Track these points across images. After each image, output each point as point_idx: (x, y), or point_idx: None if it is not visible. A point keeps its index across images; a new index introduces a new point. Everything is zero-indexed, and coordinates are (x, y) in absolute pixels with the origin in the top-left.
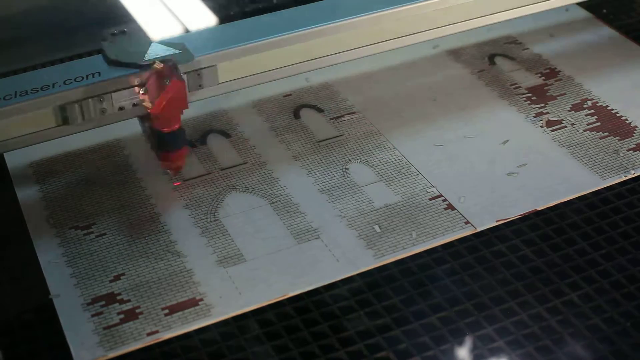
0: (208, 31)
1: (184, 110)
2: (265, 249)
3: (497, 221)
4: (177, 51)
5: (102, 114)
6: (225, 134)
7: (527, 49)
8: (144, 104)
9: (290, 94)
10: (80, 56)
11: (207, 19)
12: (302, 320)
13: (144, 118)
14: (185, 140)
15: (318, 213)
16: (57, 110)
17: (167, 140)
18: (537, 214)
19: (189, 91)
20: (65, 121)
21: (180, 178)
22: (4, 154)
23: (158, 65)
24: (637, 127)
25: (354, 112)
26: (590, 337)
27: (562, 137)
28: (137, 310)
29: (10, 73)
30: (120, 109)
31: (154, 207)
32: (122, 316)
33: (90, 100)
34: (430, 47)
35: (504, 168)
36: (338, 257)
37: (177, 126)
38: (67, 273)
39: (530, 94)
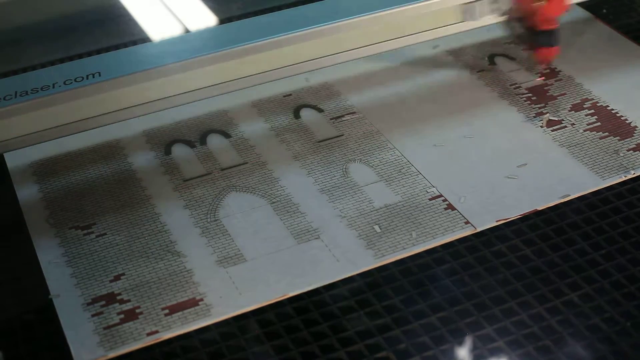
0: (208, 31)
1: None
2: (265, 249)
3: (497, 221)
4: None
5: (496, 12)
6: (225, 134)
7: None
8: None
9: (290, 94)
10: (80, 56)
11: (207, 19)
12: (302, 320)
13: (520, 19)
14: (558, 39)
15: (318, 213)
16: (460, 7)
17: (549, 37)
18: (537, 214)
19: None
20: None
21: (181, 178)
22: (4, 154)
23: None
24: (637, 127)
25: (354, 112)
26: (590, 337)
27: (562, 137)
28: (137, 310)
29: (10, 73)
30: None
31: (154, 207)
32: (122, 316)
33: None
34: (430, 47)
35: (504, 168)
36: (338, 257)
37: (555, 26)
38: (67, 273)
39: (530, 94)
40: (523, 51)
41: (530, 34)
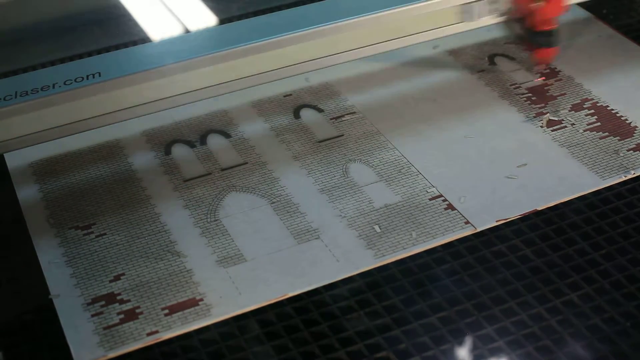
0: (208, 31)
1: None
2: (265, 249)
3: (497, 221)
4: None
5: (494, 13)
6: (225, 134)
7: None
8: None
9: (290, 94)
10: (80, 56)
11: (207, 19)
12: (302, 320)
13: (519, 20)
14: (557, 40)
15: (318, 213)
16: (458, 8)
17: (548, 38)
18: (537, 214)
19: None
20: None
21: (181, 178)
22: (4, 154)
23: None
24: (637, 127)
25: (354, 112)
26: (590, 337)
27: (562, 137)
28: (137, 310)
29: (10, 73)
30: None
31: (154, 207)
32: (122, 316)
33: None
34: (430, 47)
35: (504, 168)
36: (338, 257)
37: (555, 26)
38: (67, 273)
39: (530, 94)
40: (523, 51)
41: (529, 35)
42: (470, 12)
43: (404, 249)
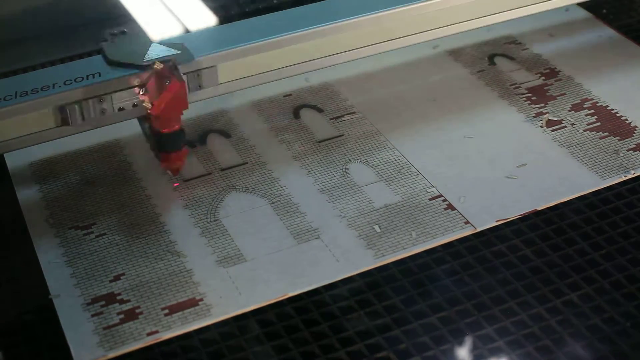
0: (208, 31)
1: (183, 111)
2: (265, 249)
3: (497, 221)
4: (177, 51)
5: (102, 114)
6: (225, 134)
7: (527, 49)
8: (144, 104)
9: (290, 94)
10: (80, 56)
11: (207, 19)
12: (302, 320)
13: (144, 118)
14: (184, 141)
15: (318, 213)
16: (56, 110)
17: (167, 141)
18: (537, 214)
19: (189, 92)
20: (65, 122)
21: (180, 178)
22: (4, 154)
23: (158, 66)
24: (637, 127)
25: (354, 112)
26: (590, 337)
27: (562, 137)
28: (137, 310)
29: (10, 73)
30: (120, 109)
31: (154, 207)
32: (122, 316)
33: (90, 100)
34: (430, 47)
35: (504, 168)
36: (338, 257)
37: (177, 127)
38: (67, 273)
39: (530, 94)
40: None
41: (154, 136)
42: (73, 115)
43: (404, 249)
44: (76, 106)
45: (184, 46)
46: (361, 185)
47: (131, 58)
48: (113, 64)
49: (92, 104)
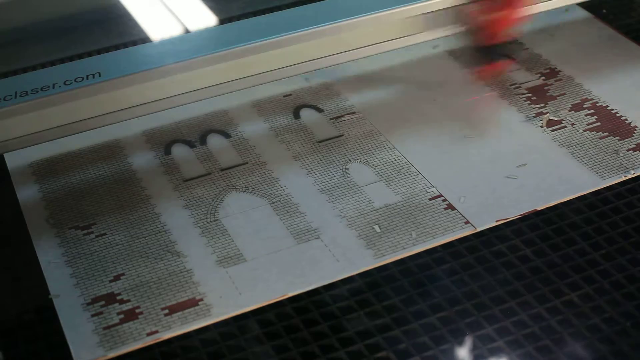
0: (208, 31)
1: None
2: (265, 249)
3: (497, 221)
4: None
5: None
6: (225, 134)
7: (527, 49)
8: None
9: (290, 94)
10: (80, 56)
11: (207, 19)
12: (302, 320)
13: (473, 31)
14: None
15: (318, 213)
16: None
17: (498, 51)
18: (537, 214)
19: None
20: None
21: (181, 178)
22: (4, 154)
23: None
24: (637, 127)
25: (354, 112)
26: (590, 337)
27: (562, 137)
28: (137, 310)
29: (10, 73)
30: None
31: (154, 207)
32: (122, 316)
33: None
34: (430, 47)
35: (504, 168)
36: (338, 257)
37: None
38: (67, 273)
39: (530, 94)
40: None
41: (478, 49)
42: (426, 22)
43: (404, 249)
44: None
45: None
46: (361, 185)
47: None
48: None
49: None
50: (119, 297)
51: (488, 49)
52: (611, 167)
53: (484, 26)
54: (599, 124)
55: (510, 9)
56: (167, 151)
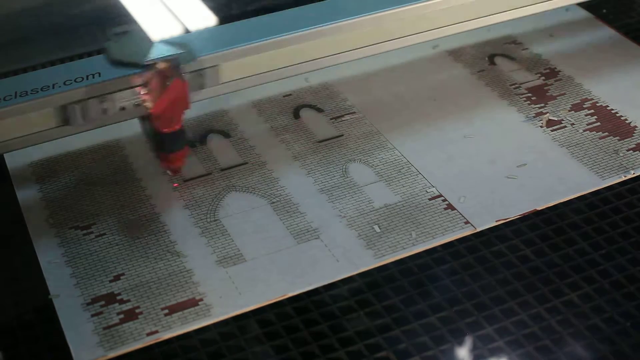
0: (208, 31)
1: (185, 111)
2: (265, 249)
3: (497, 221)
4: (180, 51)
5: (104, 114)
6: (225, 134)
7: (527, 49)
8: (145, 104)
9: (290, 94)
10: (80, 56)
11: (207, 19)
12: (302, 320)
13: (145, 118)
14: (185, 141)
15: (318, 213)
16: (58, 110)
17: (167, 141)
18: (537, 214)
19: (191, 91)
20: (66, 121)
21: (180, 178)
22: (4, 154)
23: (160, 65)
24: (637, 127)
25: (354, 112)
26: (590, 337)
27: (562, 137)
28: (137, 310)
29: (10, 73)
30: (122, 109)
31: (154, 207)
32: (121, 316)
33: (91, 100)
34: (430, 47)
35: (504, 168)
36: (338, 257)
37: (178, 127)
38: (67, 273)
39: (530, 94)
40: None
41: (154, 136)
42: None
43: (404, 249)
44: (77, 106)
45: (187, 45)
46: (361, 185)
47: (134, 57)
48: (116, 63)
49: (94, 104)
50: (118, 297)
51: (164, 137)
52: (611, 167)
53: (155, 113)
54: (599, 124)
55: (169, 95)
56: None
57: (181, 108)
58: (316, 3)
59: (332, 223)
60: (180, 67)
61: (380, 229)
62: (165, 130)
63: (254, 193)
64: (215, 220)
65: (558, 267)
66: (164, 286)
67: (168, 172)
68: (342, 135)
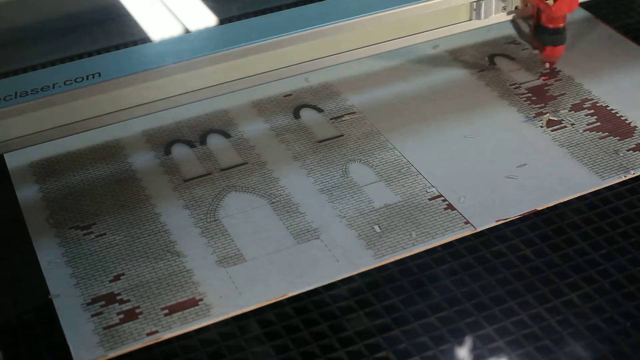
0: (208, 31)
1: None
2: (265, 249)
3: (497, 221)
4: None
5: (503, 11)
6: (225, 134)
7: (527, 49)
8: (546, 2)
9: (290, 94)
10: (80, 56)
11: (207, 19)
12: (302, 320)
13: (529, 18)
14: (565, 39)
15: (318, 213)
16: (467, 6)
17: (554, 36)
18: (537, 214)
19: None
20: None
21: (181, 178)
22: (4, 154)
23: None
24: (637, 127)
25: (354, 112)
26: (590, 337)
27: (562, 137)
28: (137, 310)
29: (10, 73)
30: (516, 8)
31: (154, 207)
32: (121, 316)
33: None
34: (430, 47)
35: (504, 168)
36: (338, 257)
37: (562, 25)
38: (67, 273)
39: (530, 94)
40: (534, 49)
41: (536, 33)
42: (479, 10)
43: (404, 249)
44: (483, 3)
45: None
46: (361, 185)
47: None
48: None
49: (496, 2)
50: (118, 297)
51: (545, 33)
52: (611, 167)
53: (544, 10)
54: (599, 124)
55: None
56: (167, 151)
57: (571, 8)
58: (316, 3)
59: (332, 223)
60: None
61: (380, 229)
62: (561, 25)
63: (254, 193)
64: (215, 220)
65: (558, 267)
66: (164, 286)
67: (547, 64)
68: (342, 135)
